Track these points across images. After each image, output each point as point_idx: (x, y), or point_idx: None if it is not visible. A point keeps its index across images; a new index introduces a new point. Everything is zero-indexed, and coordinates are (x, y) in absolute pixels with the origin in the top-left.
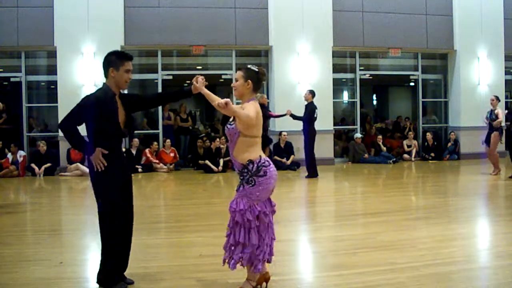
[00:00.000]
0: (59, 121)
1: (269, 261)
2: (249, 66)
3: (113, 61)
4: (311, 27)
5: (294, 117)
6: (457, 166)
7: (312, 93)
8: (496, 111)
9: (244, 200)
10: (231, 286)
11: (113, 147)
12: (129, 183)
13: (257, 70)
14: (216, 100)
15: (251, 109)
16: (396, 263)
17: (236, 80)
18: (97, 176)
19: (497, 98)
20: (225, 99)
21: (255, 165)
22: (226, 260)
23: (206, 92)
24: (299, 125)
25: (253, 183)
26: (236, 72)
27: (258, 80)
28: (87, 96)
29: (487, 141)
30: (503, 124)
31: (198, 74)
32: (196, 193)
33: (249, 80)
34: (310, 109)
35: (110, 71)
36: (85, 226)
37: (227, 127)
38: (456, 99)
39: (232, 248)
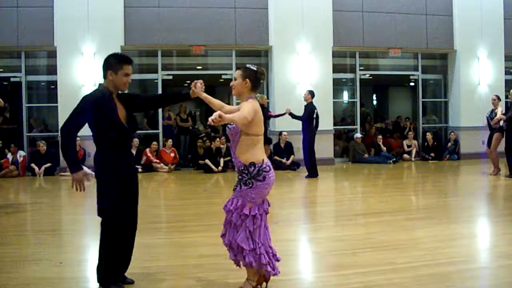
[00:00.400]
0: (60, 126)
1: (277, 260)
2: (248, 65)
3: (112, 64)
4: (311, 27)
5: (293, 116)
6: (457, 166)
7: (311, 93)
8: (496, 111)
9: (239, 200)
10: (231, 286)
11: (118, 148)
12: (136, 184)
13: (255, 69)
14: (215, 103)
15: (246, 108)
16: (396, 263)
17: (235, 79)
18: (104, 176)
19: (498, 98)
20: (217, 113)
21: (257, 168)
22: (233, 259)
23: (205, 96)
24: (299, 125)
25: (250, 185)
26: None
27: (257, 79)
28: (84, 97)
29: (489, 142)
30: (501, 123)
31: (197, 78)
32: (196, 193)
33: (247, 79)
34: (310, 109)
35: (109, 73)
36: (85, 226)
37: (228, 128)
38: (456, 99)
39: (230, 248)
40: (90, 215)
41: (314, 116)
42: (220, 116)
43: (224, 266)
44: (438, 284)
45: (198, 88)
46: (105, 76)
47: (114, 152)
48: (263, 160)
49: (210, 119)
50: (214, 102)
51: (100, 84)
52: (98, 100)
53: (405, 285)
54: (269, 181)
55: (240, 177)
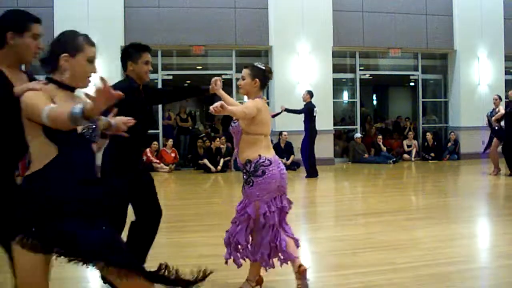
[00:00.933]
0: None
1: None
2: (255, 64)
3: (130, 53)
4: (311, 27)
5: (288, 110)
6: (457, 166)
7: (310, 93)
8: (497, 109)
9: (246, 200)
10: (231, 286)
11: (131, 148)
12: (148, 187)
13: (263, 68)
14: (229, 102)
15: (248, 104)
16: (396, 263)
17: (243, 79)
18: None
19: (500, 98)
20: (219, 102)
21: (253, 164)
22: (226, 258)
23: (221, 93)
24: (299, 125)
25: (251, 184)
26: (235, 72)
27: (265, 78)
28: (114, 85)
29: (489, 143)
30: (502, 123)
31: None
32: (196, 193)
33: (256, 79)
34: (308, 107)
35: (129, 64)
36: None
37: (231, 126)
38: (456, 99)
39: (227, 244)
40: None
41: (315, 114)
42: (221, 106)
43: (224, 266)
44: (438, 284)
45: (218, 85)
46: (125, 68)
47: (125, 150)
48: (259, 155)
49: (211, 107)
50: (230, 101)
51: (126, 75)
52: (127, 89)
53: (405, 285)
54: (271, 175)
55: (243, 177)
